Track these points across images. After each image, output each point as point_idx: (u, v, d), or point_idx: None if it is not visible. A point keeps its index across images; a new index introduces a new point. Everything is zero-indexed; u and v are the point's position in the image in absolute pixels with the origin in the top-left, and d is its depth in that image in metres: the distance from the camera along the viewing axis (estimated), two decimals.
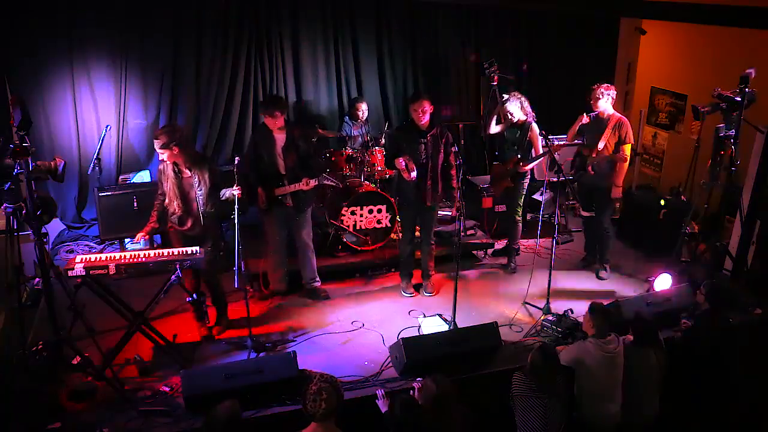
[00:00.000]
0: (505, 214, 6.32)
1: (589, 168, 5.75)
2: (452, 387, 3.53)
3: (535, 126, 5.73)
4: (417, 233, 5.66)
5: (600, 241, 6.12)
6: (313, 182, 5.08)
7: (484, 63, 7.25)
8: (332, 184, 5.30)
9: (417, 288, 5.75)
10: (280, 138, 5.06)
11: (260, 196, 5.14)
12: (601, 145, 5.65)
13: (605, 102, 5.60)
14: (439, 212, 6.61)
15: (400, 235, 5.76)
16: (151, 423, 3.86)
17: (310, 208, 5.37)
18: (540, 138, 5.70)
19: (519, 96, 5.77)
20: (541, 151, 5.74)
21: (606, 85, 5.63)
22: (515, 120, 5.78)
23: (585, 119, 5.65)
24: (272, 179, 5.13)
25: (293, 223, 5.32)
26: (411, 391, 3.97)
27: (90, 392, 4.05)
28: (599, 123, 5.66)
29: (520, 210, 6.05)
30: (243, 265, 4.57)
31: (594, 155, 5.70)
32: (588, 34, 8.00)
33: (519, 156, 5.80)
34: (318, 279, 5.59)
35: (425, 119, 5.14)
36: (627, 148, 5.64)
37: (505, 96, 5.78)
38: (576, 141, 5.84)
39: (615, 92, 5.65)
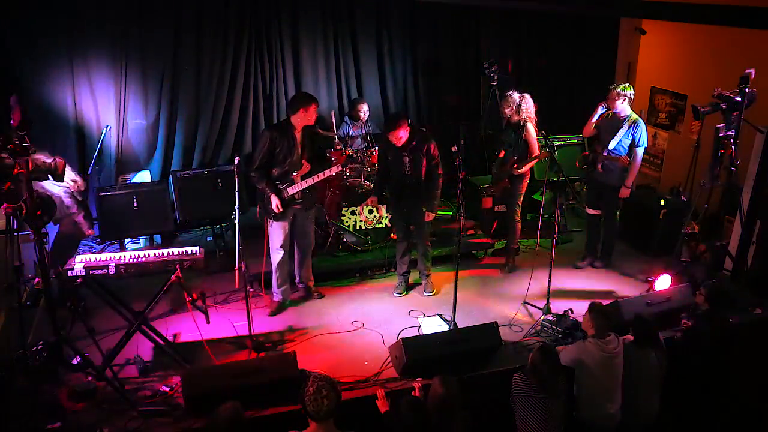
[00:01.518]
0: (505, 214, 6.33)
1: (599, 166, 5.76)
2: (458, 389, 3.53)
3: (530, 126, 5.72)
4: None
5: (605, 240, 6.13)
6: (335, 168, 5.22)
7: (484, 63, 7.28)
8: (355, 165, 5.65)
9: (410, 289, 5.76)
10: (299, 136, 5.05)
11: (275, 200, 5.01)
12: (613, 144, 5.65)
13: (622, 103, 5.59)
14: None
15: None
16: (151, 423, 3.86)
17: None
18: (537, 138, 5.69)
19: (521, 96, 5.73)
20: (537, 152, 5.74)
21: (623, 85, 5.62)
22: (507, 117, 5.79)
23: (601, 109, 5.67)
24: (284, 180, 5.08)
25: (302, 223, 5.28)
26: (412, 391, 3.98)
27: (90, 392, 4.05)
28: (615, 122, 5.67)
29: (518, 210, 6.04)
30: (243, 265, 4.58)
31: (605, 153, 5.70)
32: (588, 34, 8.00)
33: (515, 157, 5.80)
34: (312, 278, 5.60)
35: (400, 144, 5.21)
36: (640, 151, 5.64)
37: (516, 94, 5.75)
38: (568, 141, 5.85)
39: (633, 92, 5.63)
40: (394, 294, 5.68)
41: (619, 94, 5.55)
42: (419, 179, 5.32)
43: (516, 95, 5.72)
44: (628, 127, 5.60)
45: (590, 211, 6.13)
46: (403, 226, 5.60)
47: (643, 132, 5.62)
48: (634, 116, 5.65)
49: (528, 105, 5.72)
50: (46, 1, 5.94)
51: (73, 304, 4.15)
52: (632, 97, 5.62)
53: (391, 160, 5.39)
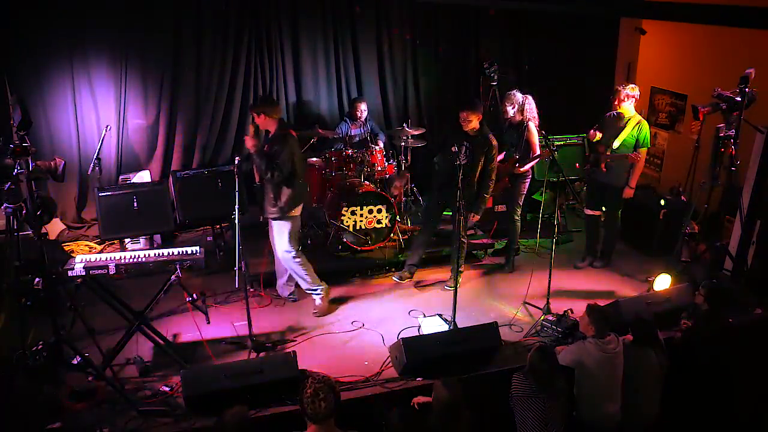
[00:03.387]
0: (505, 214, 6.33)
1: (602, 165, 5.77)
2: (461, 390, 3.53)
3: (531, 126, 5.73)
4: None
5: (606, 240, 6.14)
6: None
7: (484, 63, 7.28)
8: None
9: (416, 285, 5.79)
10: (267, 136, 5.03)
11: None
12: (616, 144, 5.67)
13: (629, 104, 5.63)
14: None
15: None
16: (151, 423, 3.86)
17: (276, 217, 4.95)
18: (539, 138, 5.71)
19: (525, 96, 5.75)
20: (538, 151, 5.75)
21: (631, 86, 5.65)
22: (509, 116, 5.80)
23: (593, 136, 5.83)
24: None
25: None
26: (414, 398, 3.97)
27: (90, 392, 4.05)
28: (619, 122, 5.70)
29: (519, 210, 6.04)
30: (243, 265, 4.58)
31: (609, 153, 5.71)
32: (588, 34, 8.00)
33: (517, 156, 5.81)
34: (291, 296, 5.41)
35: (466, 127, 5.26)
36: (643, 152, 5.68)
37: (518, 94, 5.77)
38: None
39: (638, 93, 5.68)
40: (393, 278, 5.77)
41: (628, 96, 5.60)
42: (468, 173, 5.24)
43: (519, 95, 5.74)
44: (633, 128, 5.62)
45: (588, 212, 6.14)
46: (433, 217, 5.66)
47: (647, 132, 5.65)
48: (638, 117, 5.68)
49: (531, 105, 5.74)
50: (46, 1, 5.94)
51: (73, 304, 4.14)
52: (638, 96, 5.67)
53: (448, 145, 5.32)
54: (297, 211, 5.02)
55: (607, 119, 5.81)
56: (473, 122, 5.23)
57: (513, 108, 5.74)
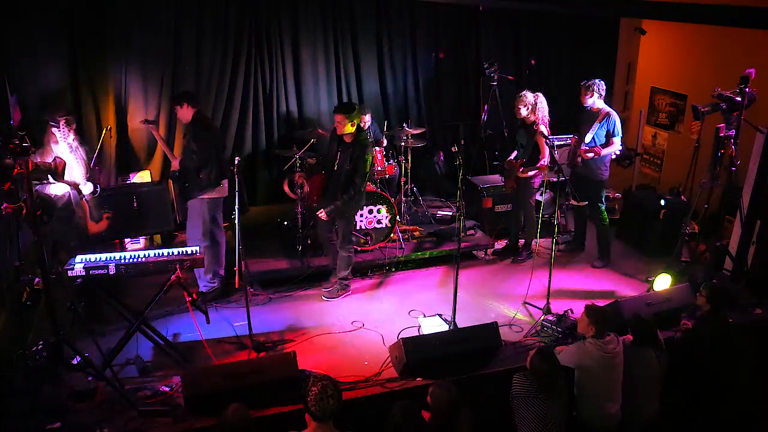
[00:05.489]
0: (505, 214, 6.36)
1: (578, 159, 5.88)
2: (457, 391, 3.53)
3: (542, 130, 5.76)
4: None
5: (599, 238, 6.20)
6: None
7: (484, 63, 7.28)
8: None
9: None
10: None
11: None
12: (588, 138, 5.78)
13: (591, 97, 5.77)
14: (438, 212, 6.79)
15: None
16: (151, 423, 3.86)
17: (194, 199, 5.34)
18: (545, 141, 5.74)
19: (536, 95, 5.80)
20: (546, 154, 5.77)
21: (590, 81, 5.76)
22: (522, 116, 5.82)
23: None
24: None
25: None
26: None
27: (90, 392, 4.05)
28: (590, 116, 5.84)
29: (532, 208, 6.13)
30: (243, 265, 4.58)
31: (582, 147, 5.83)
32: (588, 34, 8.01)
33: (525, 159, 5.87)
34: (203, 286, 5.42)
35: (338, 130, 5.23)
36: (617, 140, 5.80)
37: (530, 94, 5.81)
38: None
39: (602, 86, 5.77)
40: (323, 297, 5.59)
41: (587, 89, 5.73)
42: (340, 180, 5.28)
43: (530, 95, 5.77)
44: (602, 120, 5.75)
45: (573, 203, 6.32)
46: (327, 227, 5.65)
47: (617, 123, 5.78)
48: (606, 109, 5.80)
49: (542, 104, 5.80)
50: (46, 1, 5.93)
51: (73, 304, 4.14)
52: (601, 91, 5.77)
53: (329, 151, 5.46)
54: (214, 194, 5.32)
55: (581, 115, 5.96)
56: (343, 126, 5.14)
57: (526, 108, 5.78)
